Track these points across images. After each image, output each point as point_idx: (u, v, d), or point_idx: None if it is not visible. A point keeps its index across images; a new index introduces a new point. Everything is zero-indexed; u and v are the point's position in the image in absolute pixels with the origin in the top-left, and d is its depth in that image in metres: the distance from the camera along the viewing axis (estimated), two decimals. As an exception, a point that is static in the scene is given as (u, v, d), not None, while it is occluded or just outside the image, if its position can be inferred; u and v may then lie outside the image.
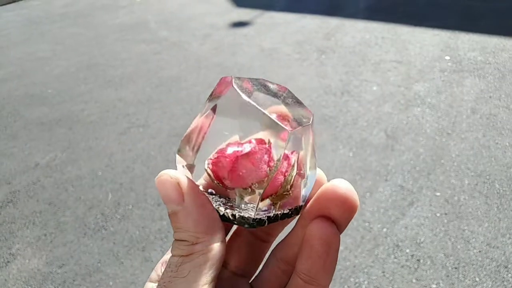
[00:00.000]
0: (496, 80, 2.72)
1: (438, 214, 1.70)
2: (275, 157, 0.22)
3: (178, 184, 0.22)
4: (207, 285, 0.21)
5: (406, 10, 4.18)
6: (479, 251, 1.53)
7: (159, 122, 2.56)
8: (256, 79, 0.24)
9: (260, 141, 0.23)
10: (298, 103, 0.25)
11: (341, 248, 1.58)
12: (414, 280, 1.45)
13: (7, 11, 5.58)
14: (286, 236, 0.26)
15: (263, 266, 0.27)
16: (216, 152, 0.23)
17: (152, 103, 2.80)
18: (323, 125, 2.38)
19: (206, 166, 0.24)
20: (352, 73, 2.99)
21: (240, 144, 0.23)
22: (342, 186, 0.22)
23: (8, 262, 1.65)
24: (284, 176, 0.23)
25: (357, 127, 2.34)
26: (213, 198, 0.24)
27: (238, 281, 0.27)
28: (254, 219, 0.23)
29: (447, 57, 3.10)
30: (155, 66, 3.39)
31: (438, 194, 1.81)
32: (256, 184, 0.22)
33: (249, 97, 0.22)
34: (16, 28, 4.78)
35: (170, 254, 0.23)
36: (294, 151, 0.23)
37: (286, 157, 0.23)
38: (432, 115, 2.40)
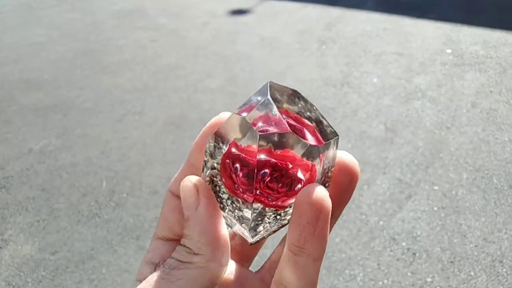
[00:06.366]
0: (497, 75, 2.70)
1: (435, 208, 1.69)
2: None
3: (197, 190, 0.22)
4: None
5: (409, 2, 4.12)
6: (475, 246, 1.52)
7: (155, 110, 2.53)
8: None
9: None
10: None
11: (336, 240, 1.57)
12: (409, 273, 1.44)
13: (3, -6, 5.47)
14: None
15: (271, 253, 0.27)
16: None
17: (149, 91, 2.76)
18: (322, 117, 2.36)
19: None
20: (352, 64, 2.95)
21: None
22: (343, 155, 0.22)
23: (0, 248, 1.63)
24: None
25: (357, 119, 2.32)
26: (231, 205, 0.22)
27: (247, 273, 0.26)
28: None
29: (449, 50, 3.07)
30: (153, 53, 3.33)
31: (436, 188, 1.80)
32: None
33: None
34: (11, 12, 4.68)
35: (151, 254, 0.24)
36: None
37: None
38: (432, 109, 2.37)
